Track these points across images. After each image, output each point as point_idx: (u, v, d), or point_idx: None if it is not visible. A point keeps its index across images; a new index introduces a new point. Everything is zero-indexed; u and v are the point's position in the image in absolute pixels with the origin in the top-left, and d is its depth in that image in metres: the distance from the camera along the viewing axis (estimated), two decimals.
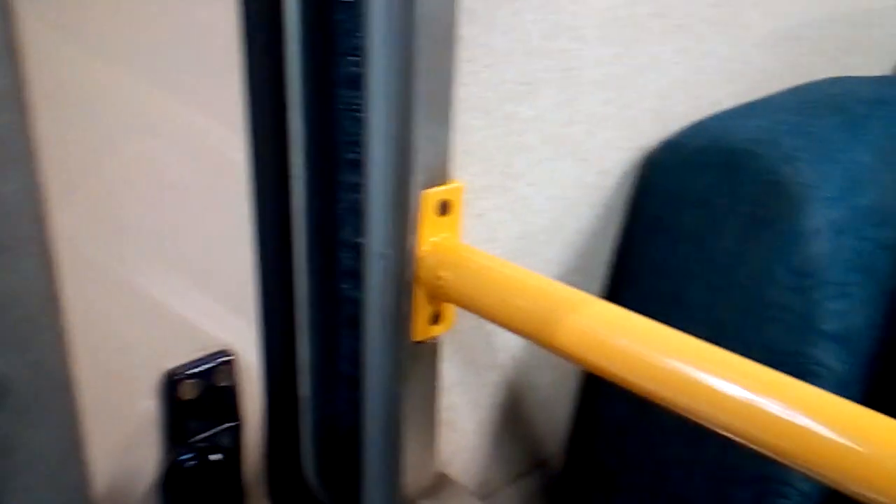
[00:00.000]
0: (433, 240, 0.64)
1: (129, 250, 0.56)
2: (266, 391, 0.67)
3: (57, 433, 0.54)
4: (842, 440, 0.43)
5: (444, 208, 0.64)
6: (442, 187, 0.63)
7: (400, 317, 0.65)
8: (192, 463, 0.62)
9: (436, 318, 0.67)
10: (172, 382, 0.60)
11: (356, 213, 0.65)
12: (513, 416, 0.89)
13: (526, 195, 0.76)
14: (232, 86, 0.58)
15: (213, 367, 0.63)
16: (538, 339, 0.58)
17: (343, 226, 0.68)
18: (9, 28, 0.44)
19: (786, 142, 0.83)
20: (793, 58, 1.06)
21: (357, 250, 0.67)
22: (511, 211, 0.75)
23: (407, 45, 0.57)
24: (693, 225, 0.86)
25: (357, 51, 0.60)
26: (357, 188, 0.65)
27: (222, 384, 0.64)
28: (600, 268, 0.92)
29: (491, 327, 0.79)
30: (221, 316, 0.63)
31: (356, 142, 0.63)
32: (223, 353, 0.63)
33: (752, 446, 0.46)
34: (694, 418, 0.49)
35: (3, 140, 0.45)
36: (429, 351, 0.68)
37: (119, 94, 0.52)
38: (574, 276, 0.88)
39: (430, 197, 0.63)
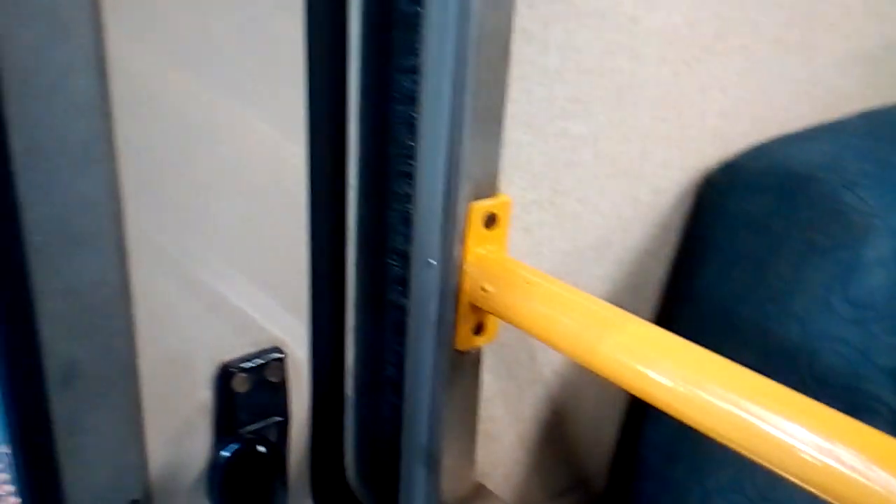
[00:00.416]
0: (479, 252, 0.65)
1: (194, 248, 0.59)
2: (313, 390, 0.70)
3: (119, 416, 0.57)
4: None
5: (491, 221, 0.66)
6: (489, 200, 0.64)
7: (443, 325, 0.66)
8: (241, 452, 0.64)
9: (479, 329, 0.68)
10: (227, 375, 0.63)
11: (406, 223, 0.67)
12: (554, 432, 0.89)
13: (575, 211, 0.77)
14: (296, 97, 0.61)
15: (265, 362, 0.65)
16: (578, 356, 0.59)
17: (393, 234, 0.69)
18: (98, 41, 0.48)
19: (850, 167, 0.81)
20: (865, 80, 1.04)
21: (405, 258, 0.68)
22: (559, 226, 0.76)
23: (461, 63, 0.59)
24: (749, 249, 0.84)
25: (414, 68, 0.62)
26: (408, 199, 0.66)
27: (272, 380, 0.66)
28: (652, 288, 0.92)
29: (534, 341, 0.79)
30: (275, 315, 0.66)
31: (409, 154, 0.65)
32: (275, 349, 0.66)
33: (797, 482, 0.45)
34: (735, 449, 0.48)
35: (87, 142, 0.49)
36: (471, 361, 0.69)
37: (193, 103, 0.56)
38: (624, 296, 0.87)
39: (478, 209, 0.64)
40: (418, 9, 0.60)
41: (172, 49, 0.53)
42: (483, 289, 0.64)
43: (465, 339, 0.68)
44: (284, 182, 0.63)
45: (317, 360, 0.70)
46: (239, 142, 0.59)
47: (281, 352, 0.66)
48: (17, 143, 0.47)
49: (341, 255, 0.70)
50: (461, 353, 0.68)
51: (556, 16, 0.66)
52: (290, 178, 0.63)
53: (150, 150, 0.54)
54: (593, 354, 0.57)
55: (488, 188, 0.64)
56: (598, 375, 0.57)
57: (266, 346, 0.66)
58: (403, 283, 0.69)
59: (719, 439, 0.49)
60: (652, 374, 0.53)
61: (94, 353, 0.54)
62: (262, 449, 0.65)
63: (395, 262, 0.70)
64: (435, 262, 0.66)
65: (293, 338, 0.68)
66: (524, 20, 0.63)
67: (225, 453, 0.64)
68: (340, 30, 0.63)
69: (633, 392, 0.54)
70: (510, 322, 0.66)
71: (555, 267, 0.77)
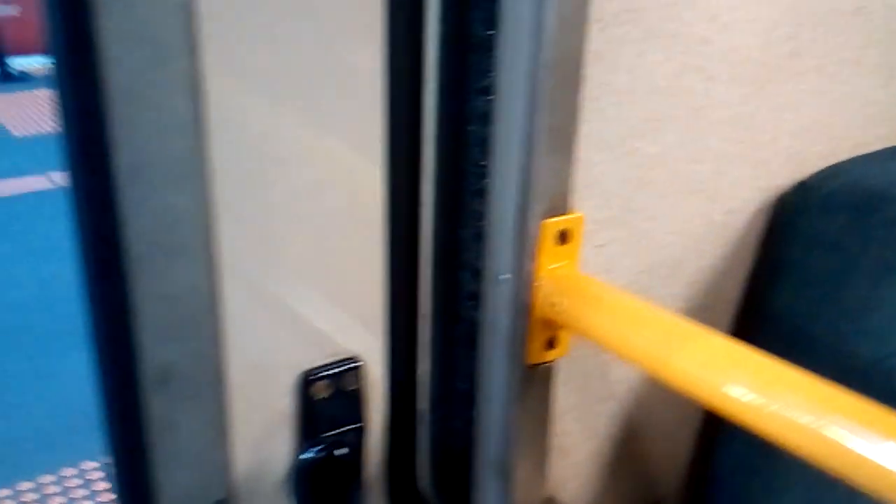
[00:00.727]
0: (551, 267, 0.67)
1: (278, 261, 0.63)
2: (388, 399, 0.72)
3: (207, 419, 0.61)
4: None
5: (564, 238, 0.67)
6: (562, 217, 0.66)
7: (516, 340, 0.68)
8: (320, 455, 0.67)
9: (551, 344, 0.70)
10: (307, 382, 0.67)
11: (479, 239, 0.69)
12: (627, 449, 0.89)
13: (647, 230, 0.78)
14: (374, 121, 0.64)
15: (343, 371, 0.69)
16: (653, 371, 0.60)
17: (466, 250, 0.72)
18: (194, 66, 0.52)
19: None
20: None
21: (478, 274, 0.70)
22: (630, 245, 0.77)
23: (535, 84, 0.61)
24: (823, 268, 0.83)
25: (487, 89, 0.64)
26: (481, 216, 0.69)
27: (350, 388, 0.69)
28: (725, 307, 0.91)
29: (608, 357, 0.80)
30: (352, 326, 0.69)
31: (482, 173, 0.67)
32: (352, 359, 0.69)
33: (881, 500, 0.44)
34: (816, 466, 0.47)
35: (181, 160, 0.53)
36: (543, 375, 0.71)
37: (279, 125, 0.59)
38: (696, 315, 0.87)
39: (550, 226, 0.66)
40: (493, 32, 0.62)
41: (261, 73, 0.57)
42: (556, 303, 0.66)
43: (536, 353, 0.69)
44: (362, 200, 0.66)
45: (392, 371, 0.73)
46: (320, 160, 0.63)
47: (358, 362, 0.69)
48: (122, 160, 0.51)
49: (415, 271, 0.73)
50: (533, 367, 0.69)
51: (628, 37, 0.68)
52: (368, 196, 0.67)
53: (239, 168, 0.58)
54: (668, 369, 0.58)
55: (560, 205, 0.66)
56: (672, 391, 0.57)
57: (344, 356, 0.69)
58: (475, 297, 0.71)
59: (799, 456, 0.48)
60: (729, 389, 0.53)
61: (187, 357, 0.58)
62: (340, 453, 0.68)
63: (467, 278, 0.72)
64: (507, 278, 0.68)
65: (369, 349, 0.70)
66: (596, 42, 0.65)
67: (305, 457, 0.67)
68: (416, 55, 0.66)
69: (710, 407, 0.54)
70: (583, 336, 0.67)
71: (626, 285, 0.78)
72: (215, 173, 0.56)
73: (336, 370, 0.68)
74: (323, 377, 0.67)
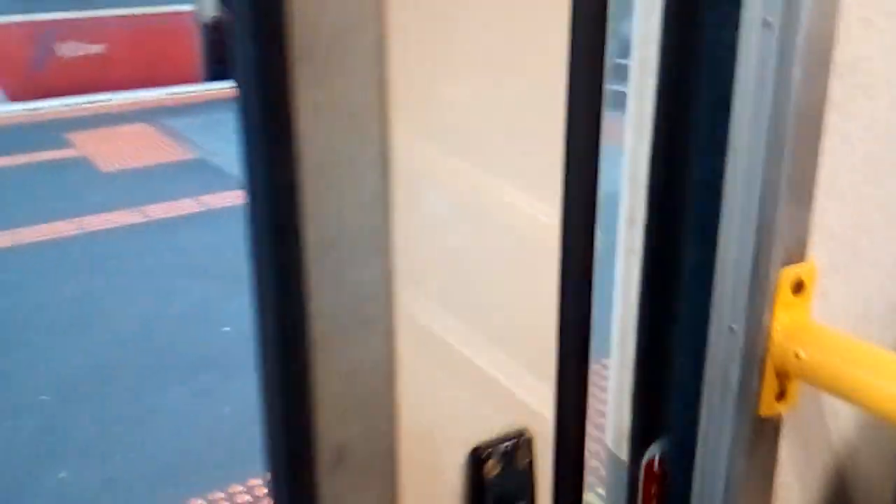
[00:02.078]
0: (785, 317, 0.65)
1: (453, 327, 0.59)
2: (556, 469, 0.67)
3: (379, 497, 0.57)
4: None
5: (799, 287, 0.66)
6: (799, 266, 0.64)
7: (747, 391, 0.66)
8: None
9: (781, 395, 0.68)
10: (478, 459, 0.62)
11: (702, 288, 0.68)
12: (845, 502, 0.85)
13: (870, 275, 0.75)
14: (553, 176, 0.60)
15: (514, 445, 0.63)
16: None
17: (685, 300, 0.70)
18: (385, 137, 0.50)
19: None
20: None
21: (697, 324, 0.69)
22: (853, 291, 0.74)
23: (777, 136, 0.60)
24: None
25: (721, 138, 0.63)
26: (703, 264, 0.67)
27: (520, 463, 0.64)
28: None
29: (829, 408, 0.77)
30: (524, 394, 0.65)
31: (708, 222, 0.66)
32: (523, 431, 0.64)
33: None
34: None
35: (369, 233, 0.51)
36: (772, 426, 0.69)
37: (460, 190, 0.56)
38: None
39: (788, 275, 0.64)
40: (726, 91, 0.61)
41: (449, 142, 0.54)
42: (796, 356, 0.64)
43: (768, 405, 0.67)
44: (536, 261, 0.62)
45: (561, 439, 0.68)
46: (499, 223, 0.59)
47: (528, 433, 0.64)
48: (312, 235, 0.49)
49: (587, 329, 0.68)
50: (763, 419, 0.67)
51: (860, 85, 0.66)
52: (542, 257, 0.62)
53: (422, 237, 0.55)
54: None
55: (797, 254, 0.64)
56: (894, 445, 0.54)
57: (515, 426, 0.63)
58: (692, 349, 0.69)
59: None
60: None
61: (362, 435, 0.55)
62: None
63: (684, 328, 0.71)
64: (737, 328, 0.66)
65: (540, 417, 0.65)
66: (832, 91, 0.63)
67: None
68: (597, 107, 0.61)
69: None
70: (824, 388, 0.65)
71: (852, 332, 0.75)
72: (398, 244, 0.53)
73: (507, 444, 0.63)
74: (493, 452, 0.62)
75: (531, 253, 0.61)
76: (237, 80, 0.49)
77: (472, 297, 0.59)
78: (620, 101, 0.74)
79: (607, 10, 0.58)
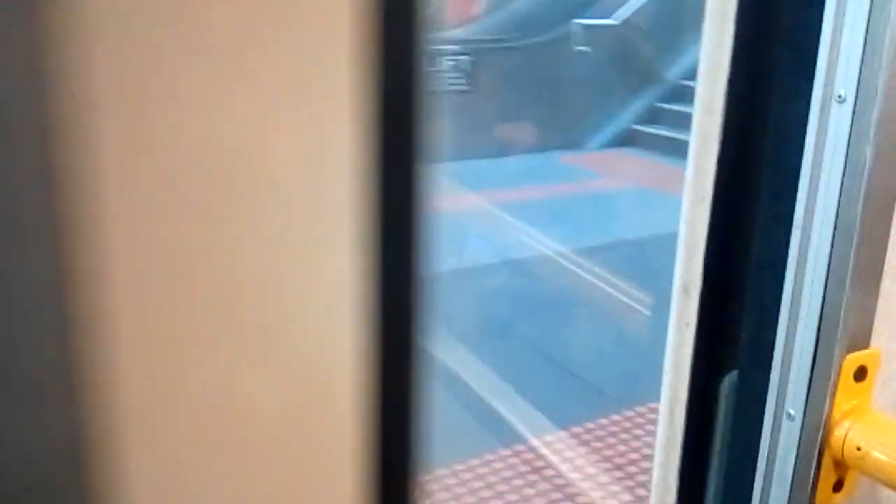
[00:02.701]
0: (846, 406, 0.63)
1: None
2: None
3: None
4: None
5: (861, 374, 0.63)
6: (862, 353, 0.62)
7: (803, 481, 0.63)
8: None
9: (838, 485, 0.65)
10: None
11: (764, 372, 0.65)
12: None
13: None
14: None
15: None
16: None
17: (734, 378, 0.68)
18: None
19: None
20: None
21: (754, 410, 0.66)
22: None
23: (848, 217, 0.58)
24: None
25: (785, 222, 0.61)
26: (766, 348, 0.65)
27: None
28: None
29: (888, 499, 0.74)
30: None
31: (770, 305, 0.64)
32: None
33: None
34: None
35: None
36: None
37: None
38: None
39: (851, 361, 0.62)
40: (799, 161, 0.60)
41: None
42: (858, 447, 0.61)
43: (824, 496, 0.64)
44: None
45: None
46: None
47: None
48: None
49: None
50: None
51: None
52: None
53: None
54: None
55: (862, 341, 0.62)
56: None
57: None
58: (746, 433, 0.67)
59: None
60: None
61: None
62: None
63: (739, 411, 0.68)
64: (795, 413, 0.63)
65: None
66: None
67: None
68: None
69: None
70: (884, 482, 0.62)
71: None
72: None
73: None
74: None
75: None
76: None
77: None
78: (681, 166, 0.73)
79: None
